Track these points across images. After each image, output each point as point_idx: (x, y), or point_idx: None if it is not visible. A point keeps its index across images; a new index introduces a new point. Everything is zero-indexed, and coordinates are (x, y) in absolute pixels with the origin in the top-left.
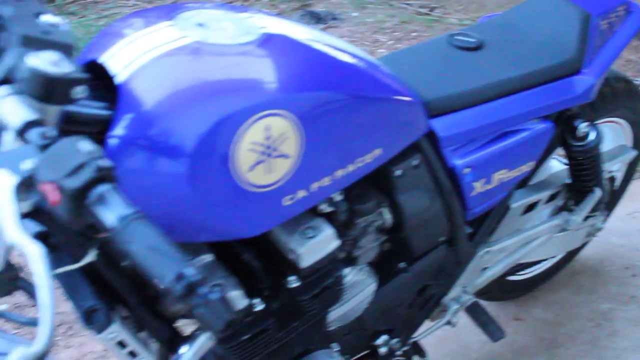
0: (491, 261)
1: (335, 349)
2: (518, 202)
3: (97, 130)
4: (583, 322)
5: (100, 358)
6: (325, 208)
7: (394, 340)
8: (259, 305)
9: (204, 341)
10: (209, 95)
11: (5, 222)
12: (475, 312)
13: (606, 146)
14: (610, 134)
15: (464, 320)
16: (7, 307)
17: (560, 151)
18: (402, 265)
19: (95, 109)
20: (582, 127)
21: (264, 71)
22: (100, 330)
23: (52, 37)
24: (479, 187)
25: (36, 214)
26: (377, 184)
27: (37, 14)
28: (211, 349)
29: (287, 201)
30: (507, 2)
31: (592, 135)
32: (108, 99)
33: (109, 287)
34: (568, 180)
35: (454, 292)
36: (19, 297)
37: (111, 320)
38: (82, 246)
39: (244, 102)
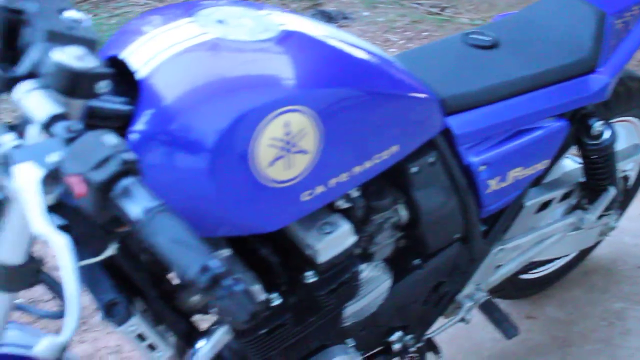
0: (505, 259)
1: (350, 345)
2: (532, 200)
3: (118, 125)
4: (596, 321)
5: (114, 353)
6: (343, 204)
7: (408, 337)
8: (276, 300)
9: (221, 336)
10: (229, 91)
11: (31, 214)
12: (489, 309)
13: (620, 145)
14: (624, 133)
15: (476, 317)
16: (22, 301)
17: (573, 150)
18: (416, 262)
19: (116, 104)
20: (597, 125)
21: (284, 67)
22: (120, 323)
23: (76, 32)
24: (494, 184)
25: (57, 207)
26: (393, 180)
27: (61, 10)
28: (228, 343)
29: (305, 196)
30: (517, 2)
31: (606, 134)
32: (128, 94)
33: (128, 281)
34: (582, 179)
35: (468, 289)
36: (32, 292)
37: (131, 314)
38: (102, 240)
39: (264, 98)
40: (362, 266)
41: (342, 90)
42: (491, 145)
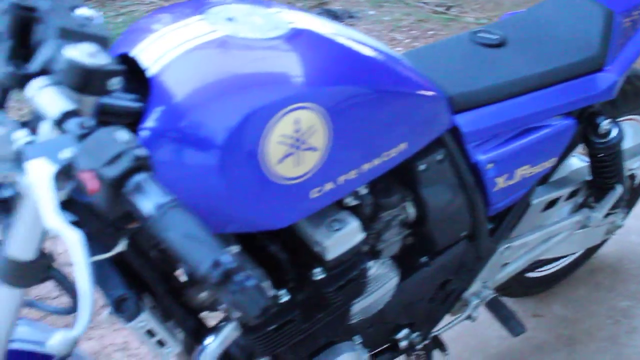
0: (511, 257)
1: (357, 342)
2: (539, 199)
3: (128, 122)
4: (602, 319)
5: (121, 350)
6: (351, 201)
7: (415, 334)
8: (284, 297)
9: (229, 332)
10: (240, 88)
11: (44, 210)
12: (495, 307)
13: (627, 144)
14: (631, 132)
15: (482, 315)
16: (30, 298)
17: (579, 149)
18: (423, 259)
19: (126, 101)
20: (605, 124)
21: (293, 65)
22: (130, 319)
23: (88, 29)
24: (501, 182)
25: (67, 204)
26: (401, 178)
27: (72, 8)
28: (236, 340)
29: (314, 193)
30: (524, 1)
31: (614, 132)
32: (138, 92)
33: (136, 277)
34: (588, 177)
35: (475, 287)
36: (40, 290)
37: (141, 309)
38: (112, 236)
39: (274, 95)
40: (370, 263)
41: (351, 88)
42: (499, 143)
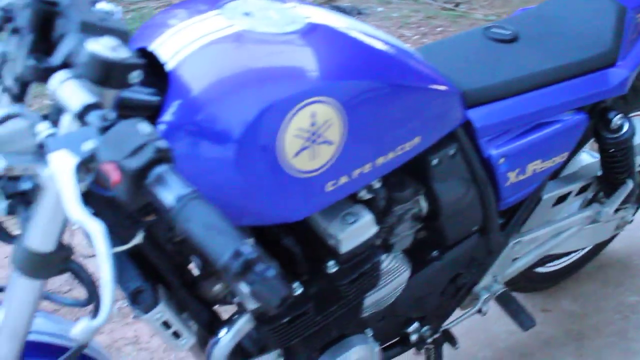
0: (522, 251)
1: (369, 335)
2: (550, 194)
3: (146, 115)
4: (610, 314)
5: (132, 344)
6: (365, 195)
7: (425, 328)
8: (297, 290)
9: (242, 325)
10: (257, 82)
11: (67, 201)
12: (506, 301)
13: (638, 139)
14: None
15: (491, 310)
16: (46, 292)
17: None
18: (435, 253)
19: (145, 95)
20: (616, 119)
21: (310, 59)
22: (147, 310)
23: (109, 23)
24: (513, 177)
25: (85, 196)
26: (414, 172)
27: (93, 2)
28: (249, 332)
29: (329, 187)
30: None
31: (625, 128)
32: (155, 86)
33: (150, 270)
34: (599, 173)
35: (485, 281)
36: (51, 284)
37: (157, 301)
38: (128, 229)
39: (291, 89)
40: (382, 257)
41: (366, 82)
42: (511, 138)
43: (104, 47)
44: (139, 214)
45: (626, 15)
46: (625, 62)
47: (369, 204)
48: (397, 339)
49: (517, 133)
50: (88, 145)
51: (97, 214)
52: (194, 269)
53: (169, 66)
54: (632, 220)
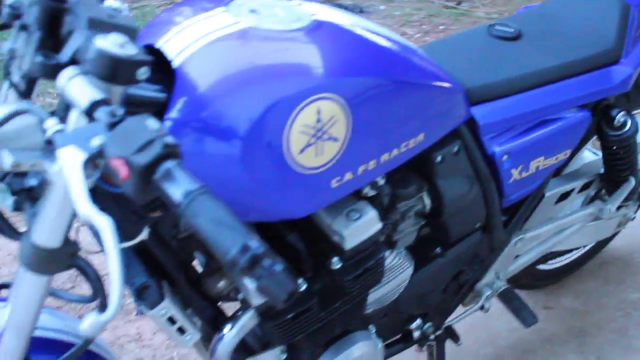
0: (524, 248)
1: (372, 331)
2: (552, 191)
3: (152, 112)
4: (612, 311)
5: (134, 341)
6: (369, 191)
7: (428, 325)
8: (302, 286)
9: (246, 321)
10: (263, 79)
11: (76, 196)
12: (508, 297)
13: None
14: None
15: (493, 307)
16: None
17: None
18: (438, 250)
19: (152, 91)
20: (619, 116)
21: (315, 56)
22: (152, 306)
23: (117, 20)
24: (516, 174)
25: (91, 193)
26: (417, 169)
27: None
28: (253, 328)
29: (335, 183)
30: None
31: (628, 125)
32: (161, 82)
33: (155, 266)
34: (602, 170)
35: (487, 278)
36: (54, 282)
37: (163, 297)
38: (134, 225)
39: (297, 86)
40: (386, 253)
41: (371, 79)
42: (514, 135)
43: (112, 43)
44: (145, 210)
45: (630, 12)
46: (628, 59)
47: (373, 201)
48: (399, 335)
49: (520, 130)
50: (96, 141)
51: (102, 210)
52: (198, 265)
53: (175, 63)
54: (634, 218)
